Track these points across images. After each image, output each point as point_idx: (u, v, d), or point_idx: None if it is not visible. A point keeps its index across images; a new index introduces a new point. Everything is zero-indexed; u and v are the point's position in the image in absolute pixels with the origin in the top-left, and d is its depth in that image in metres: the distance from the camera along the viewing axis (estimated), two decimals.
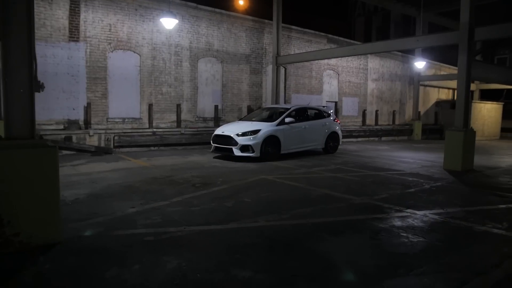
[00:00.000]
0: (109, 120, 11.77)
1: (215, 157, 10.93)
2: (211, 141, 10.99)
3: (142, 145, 12.09)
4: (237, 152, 10.18)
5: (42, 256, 3.60)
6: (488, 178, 8.55)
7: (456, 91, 25.11)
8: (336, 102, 18.15)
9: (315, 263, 3.62)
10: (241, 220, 4.90)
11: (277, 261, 3.65)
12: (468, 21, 8.95)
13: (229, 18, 14.36)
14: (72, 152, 10.72)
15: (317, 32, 17.35)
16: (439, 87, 22.98)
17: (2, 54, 3.75)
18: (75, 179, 7.29)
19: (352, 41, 19.19)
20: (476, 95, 24.84)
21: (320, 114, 12.38)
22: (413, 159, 11.61)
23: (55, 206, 3.89)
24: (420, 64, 17.29)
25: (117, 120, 11.94)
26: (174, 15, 10.70)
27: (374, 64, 19.59)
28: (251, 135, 10.20)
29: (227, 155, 10.63)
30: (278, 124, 10.75)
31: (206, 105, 14.05)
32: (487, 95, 24.60)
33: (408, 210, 5.59)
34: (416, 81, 20.50)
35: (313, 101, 17.23)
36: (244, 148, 10.16)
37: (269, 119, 11.50)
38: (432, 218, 5.25)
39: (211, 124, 14.08)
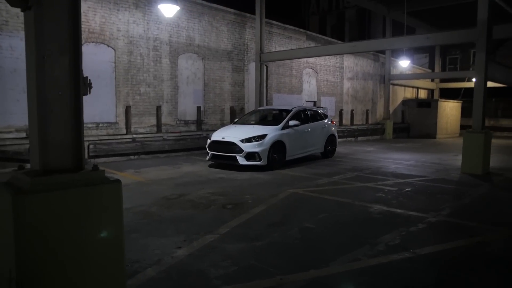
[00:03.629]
0: None
1: (210, 166, 9.60)
2: (207, 148, 9.62)
3: (121, 154, 10.37)
4: (242, 160, 8.95)
5: None
6: None
7: (421, 91, 25.84)
8: (315, 102, 17.46)
9: None
10: (338, 259, 3.77)
11: None
12: (486, 19, 8.55)
13: (211, 10, 12.98)
14: None
15: (296, 29, 16.50)
16: (405, 86, 23.33)
17: (30, 33, 2.30)
18: None
19: (329, 38, 18.65)
20: (436, 93, 25.66)
21: (318, 115, 11.51)
22: (419, 162, 11.14)
23: (120, 272, 2.49)
24: (404, 63, 17.16)
25: (90, 125, 10.09)
26: (175, 0, 9.14)
27: (349, 62, 19.22)
28: (256, 141, 9.02)
29: (226, 163, 9.34)
30: (283, 128, 9.68)
31: (187, 107, 12.57)
32: (446, 94, 25.52)
33: (501, 229, 4.83)
34: (387, 80, 20.51)
35: (294, 101, 16.41)
36: (250, 156, 8.95)
37: (269, 122, 10.40)
38: None
39: (193, 127, 12.64)
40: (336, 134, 12.04)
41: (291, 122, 9.90)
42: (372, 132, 19.83)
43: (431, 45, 11.87)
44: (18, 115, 8.83)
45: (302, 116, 10.63)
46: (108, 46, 10.40)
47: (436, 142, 19.04)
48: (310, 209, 5.72)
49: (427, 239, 4.45)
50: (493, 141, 19.07)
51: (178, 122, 12.29)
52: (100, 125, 10.32)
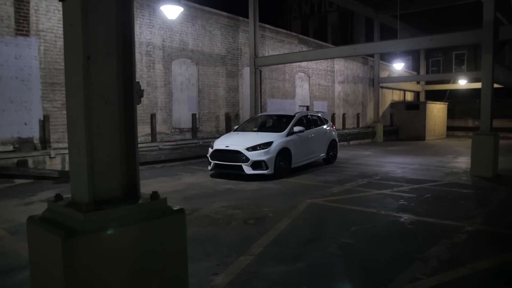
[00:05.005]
0: None
1: (212, 176, 9.13)
2: (209, 158, 9.14)
3: None
4: (248, 170, 8.51)
5: None
6: None
7: (407, 94, 26.03)
8: (307, 107, 17.20)
9: None
10: (395, 280, 3.39)
11: None
12: (492, 20, 8.44)
13: (204, 13, 12.54)
14: (28, 181, 8.11)
15: (289, 32, 16.26)
16: (393, 89, 23.41)
17: (73, 28, 1.83)
18: None
19: (321, 42, 18.47)
20: (422, 95, 25.90)
21: (319, 120, 11.20)
22: (422, 165, 10.97)
23: None
24: (398, 66, 17.12)
25: None
26: (178, 1, 8.63)
27: (339, 66, 19.10)
28: (262, 148, 8.62)
29: (229, 173, 8.88)
30: (288, 134, 9.31)
31: (182, 114, 12.05)
32: (431, 96, 25.77)
33: None
34: (376, 83, 20.49)
35: (287, 106, 16.12)
36: (256, 164, 8.53)
37: (273, 128, 9.99)
38: None
39: (188, 135, 12.12)
40: (337, 139, 11.78)
41: (296, 128, 9.55)
42: (363, 135, 19.73)
43: (435, 47, 11.97)
44: (4, 126, 8.14)
45: (305, 122, 10.30)
46: None
47: (427, 144, 19.09)
48: (337, 221, 5.35)
49: (478, 252, 4.14)
50: None
51: (173, 131, 11.75)
52: None
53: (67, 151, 8.79)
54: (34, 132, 8.60)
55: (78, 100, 1.81)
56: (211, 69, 12.81)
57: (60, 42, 8.96)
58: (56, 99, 8.93)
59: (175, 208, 1.98)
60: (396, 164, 11.33)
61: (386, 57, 22.86)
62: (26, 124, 8.47)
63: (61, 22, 8.18)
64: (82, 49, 1.76)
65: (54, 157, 8.59)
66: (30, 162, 8.23)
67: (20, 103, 8.35)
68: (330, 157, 11.32)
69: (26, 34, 8.44)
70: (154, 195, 1.92)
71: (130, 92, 1.94)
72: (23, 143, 8.40)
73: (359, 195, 7.08)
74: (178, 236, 1.96)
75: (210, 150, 9.18)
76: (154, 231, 1.85)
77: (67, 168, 8.81)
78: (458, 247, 4.28)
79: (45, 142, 8.64)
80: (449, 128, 25.32)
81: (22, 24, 8.37)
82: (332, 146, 11.41)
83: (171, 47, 11.56)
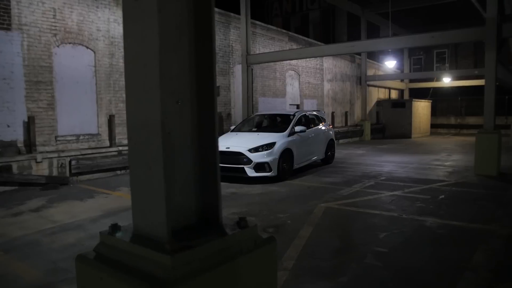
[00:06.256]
0: (58, 138, 8.59)
1: None
2: None
3: (107, 170, 9.14)
4: (250, 172, 8.11)
5: None
6: None
7: (392, 91, 26.16)
8: (298, 105, 16.92)
9: None
10: None
11: None
12: (496, 16, 8.34)
13: None
14: (12, 188, 7.44)
15: (279, 29, 15.91)
16: (379, 87, 23.45)
17: (132, 6, 1.42)
18: (71, 241, 4.56)
19: (310, 39, 18.21)
20: (406, 93, 26.12)
21: (317, 119, 10.91)
22: (422, 164, 10.85)
23: None
24: (390, 64, 17.05)
25: (69, 138, 8.80)
26: None
27: (328, 64, 18.90)
28: (265, 150, 8.23)
29: (230, 176, 8.44)
30: (289, 135, 8.96)
31: None
32: (414, 94, 26.02)
33: None
34: (363, 81, 20.44)
35: (278, 104, 15.78)
36: (259, 166, 8.14)
37: (273, 128, 9.61)
38: None
39: None
40: (334, 139, 11.53)
41: (297, 128, 9.20)
42: (352, 134, 19.61)
43: (437, 44, 12.00)
44: None
45: (304, 121, 9.97)
46: (87, 47, 9.16)
47: (415, 142, 19.15)
48: (362, 227, 5.03)
49: None
50: (466, 139, 19.45)
51: None
52: (81, 137, 9.05)
53: (54, 155, 8.21)
54: (17, 135, 7.90)
55: (150, 101, 1.38)
56: None
57: (45, 37, 8.28)
58: (42, 98, 8.25)
59: (265, 237, 1.58)
60: (394, 163, 11.18)
61: (371, 55, 22.88)
62: (8, 126, 7.77)
63: (46, 15, 7.49)
64: (158, 32, 1.33)
65: (41, 162, 7.93)
66: (15, 168, 7.56)
67: (2, 103, 7.64)
68: (329, 157, 11.05)
69: (7, 28, 7.73)
70: (242, 222, 1.52)
71: (209, 88, 1.53)
72: (5, 147, 7.70)
73: (372, 197, 6.80)
74: (269, 269, 1.56)
75: None
76: (245, 268, 1.45)
77: (54, 173, 8.17)
78: (500, 254, 4.04)
79: (30, 145, 7.96)
80: (432, 126, 25.59)
81: (2, 17, 7.65)
82: (331, 146, 11.16)
83: None
